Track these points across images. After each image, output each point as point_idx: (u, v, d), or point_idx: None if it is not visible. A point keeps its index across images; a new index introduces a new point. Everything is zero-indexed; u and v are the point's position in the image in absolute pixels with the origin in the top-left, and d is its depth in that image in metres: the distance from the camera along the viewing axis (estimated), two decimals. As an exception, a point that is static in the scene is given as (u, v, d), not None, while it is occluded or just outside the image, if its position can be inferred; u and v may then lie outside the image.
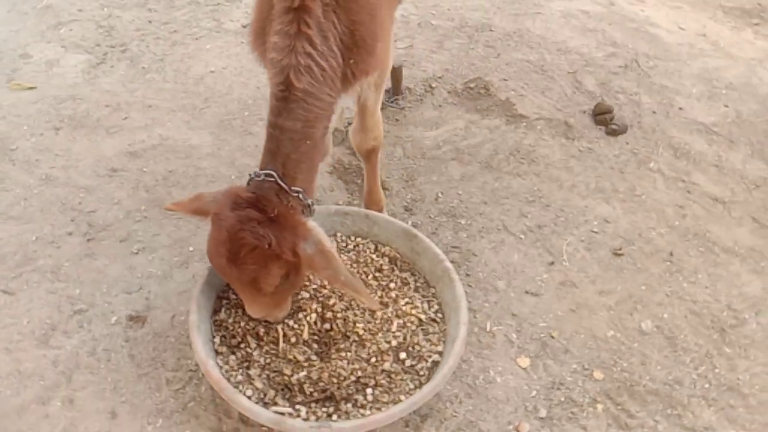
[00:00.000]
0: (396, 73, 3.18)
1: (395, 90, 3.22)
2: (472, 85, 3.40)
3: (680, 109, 3.38)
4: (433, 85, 3.37)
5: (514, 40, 3.79)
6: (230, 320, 2.02)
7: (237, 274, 1.75)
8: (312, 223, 1.79)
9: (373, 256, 2.25)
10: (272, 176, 1.73)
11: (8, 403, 1.99)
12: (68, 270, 2.37)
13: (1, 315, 2.21)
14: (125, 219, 2.56)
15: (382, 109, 3.06)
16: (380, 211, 2.50)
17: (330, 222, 2.29)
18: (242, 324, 2.00)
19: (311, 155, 1.80)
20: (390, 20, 1.93)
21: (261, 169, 1.76)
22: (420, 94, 3.31)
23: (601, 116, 3.22)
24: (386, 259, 2.25)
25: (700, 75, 3.66)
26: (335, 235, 2.31)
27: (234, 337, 1.99)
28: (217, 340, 1.98)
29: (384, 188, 2.76)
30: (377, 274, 2.20)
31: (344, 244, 2.30)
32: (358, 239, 2.31)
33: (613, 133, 3.15)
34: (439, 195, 2.77)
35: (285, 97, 1.71)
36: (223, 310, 2.05)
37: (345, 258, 2.22)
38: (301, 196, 1.78)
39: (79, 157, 2.81)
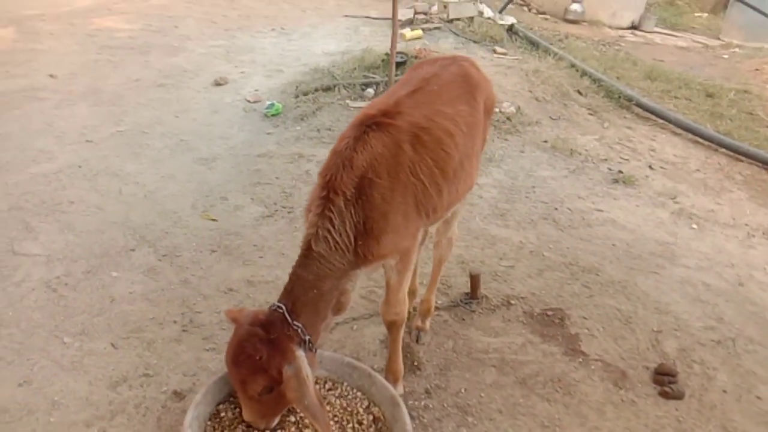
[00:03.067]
0: (474, 280, 3.64)
1: (472, 294, 3.66)
2: (549, 313, 3.68)
3: (758, 398, 3.22)
4: (512, 302, 3.73)
5: (615, 288, 4.01)
6: (224, 414, 2.52)
7: (233, 373, 2.30)
8: (300, 352, 2.29)
9: (361, 410, 2.61)
10: (281, 309, 2.31)
11: (69, 416, 2.68)
12: (158, 345, 3.12)
13: (102, 360, 3.01)
14: (216, 324, 3.30)
15: (455, 306, 3.57)
16: (396, 380, 2.87)
17: (341, 370, 2.74)
18: (227, 423, 2.49)
19: (316, 302, 2.36)
20: (408, 224, 2.47)
21: (277, 302, 2.36)
22: (495, 305, 3.68)
23: (661, 376, 3.23)
24: (371, 417, 2.59)
25: (806, 375, 3.45)
26: (342, 384, 2.73)
27: (221, 429, 2.48)
28: (210, 423, 2.49)
29: (417, 367, 3.14)
30: (357, 426, 2.54)
31: (346, 393, 2.70)
32: (358, 393, 2.70)
33: (665, 395, 3.13)
34: (462, 390, 3.03)
35: (305, 255, 2.34)
36: (226, 404, 2.57)
37: (337, 403, 2.63)
38: (300, 330, 2.31)
39: (213, 274, 3.70)
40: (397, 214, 2.41)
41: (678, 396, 3.14)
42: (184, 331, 3.25)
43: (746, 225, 5.16)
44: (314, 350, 2.41)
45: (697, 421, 3.03)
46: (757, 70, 9.08)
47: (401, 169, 2.41)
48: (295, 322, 2.30)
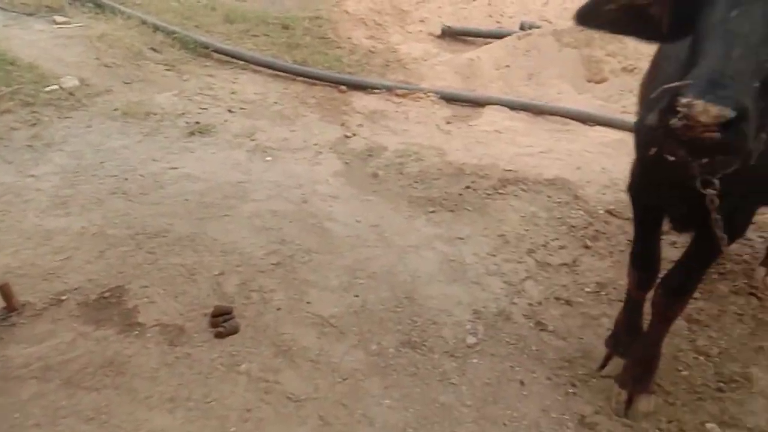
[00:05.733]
0: (3, 291, 3.24)
1: (8, 307, 3.27)
2: (107, 294, 3.48)
3: (308, 303, 3.54)
4: (64, 298, 3.43)
5: (182, 245, 3.97)
6: None
7: None
8: None
9: None
10: None
11: None
12: None
13: None
14: None
15: (-11, 328, 3.09)
16: None
17: None
18: None
19: None
20: None
21: None
22: (41, 308, 3.34)
23: (216, 318, 3.31)
24: None
25: (350, 266, 3.88)
26: None
27: None
28: None
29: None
30: None
31: None
32: None
33: (220, 335, 3.23)
34: (-8, 420, 2.71)
35: None
36: None
37: None
38: None
39: None
40: None
41: (233, 331, 3.26)
42: None
43: (315, 144, 5.59)
44: None
45: (251, 348, 3.19)
46: (329, -5, 9.82)
47: None
48: None
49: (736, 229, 2.50)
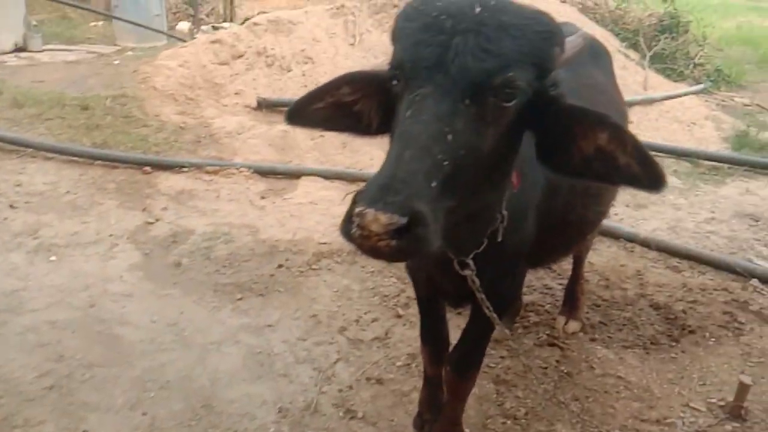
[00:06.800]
0: None
1: None
2: None
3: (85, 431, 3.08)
4: None
5: (-71, 380, 3.33)
6: None
7: None
8: None
9: None
10: None
11: None
12: None
13: None
14: None
15: None
16: None
17: None
18: None
19: None
20: None
21: None
22: None
23: (-39, 473, 2.75)
24: None
25: (140, 377, 3.47)
26: None
27: None
28: None
29: None
30: None
31: None
32: None
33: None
34: None
35: None
36: None
37: None
38: None
39: None
40: None
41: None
42: None
43: (111, 236, 5.10)
44: None
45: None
46: (135, 71, 9.34)
47: None
48: None
49: (503, 301, 2.52)
